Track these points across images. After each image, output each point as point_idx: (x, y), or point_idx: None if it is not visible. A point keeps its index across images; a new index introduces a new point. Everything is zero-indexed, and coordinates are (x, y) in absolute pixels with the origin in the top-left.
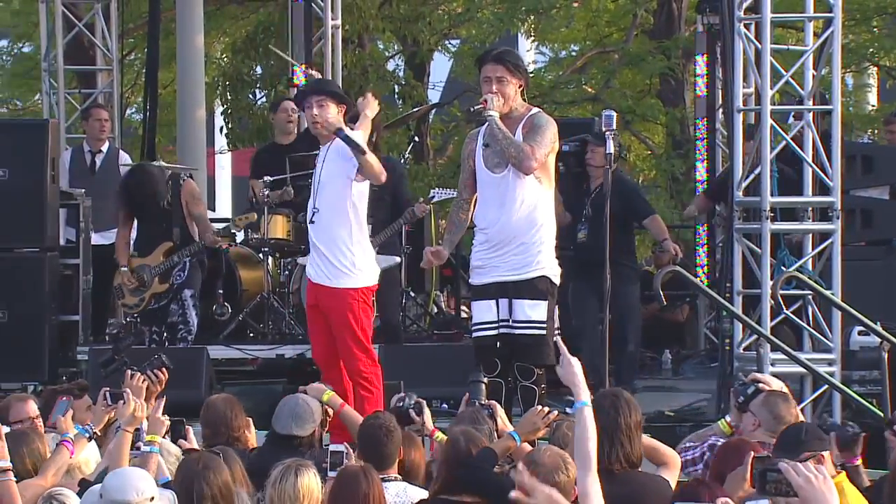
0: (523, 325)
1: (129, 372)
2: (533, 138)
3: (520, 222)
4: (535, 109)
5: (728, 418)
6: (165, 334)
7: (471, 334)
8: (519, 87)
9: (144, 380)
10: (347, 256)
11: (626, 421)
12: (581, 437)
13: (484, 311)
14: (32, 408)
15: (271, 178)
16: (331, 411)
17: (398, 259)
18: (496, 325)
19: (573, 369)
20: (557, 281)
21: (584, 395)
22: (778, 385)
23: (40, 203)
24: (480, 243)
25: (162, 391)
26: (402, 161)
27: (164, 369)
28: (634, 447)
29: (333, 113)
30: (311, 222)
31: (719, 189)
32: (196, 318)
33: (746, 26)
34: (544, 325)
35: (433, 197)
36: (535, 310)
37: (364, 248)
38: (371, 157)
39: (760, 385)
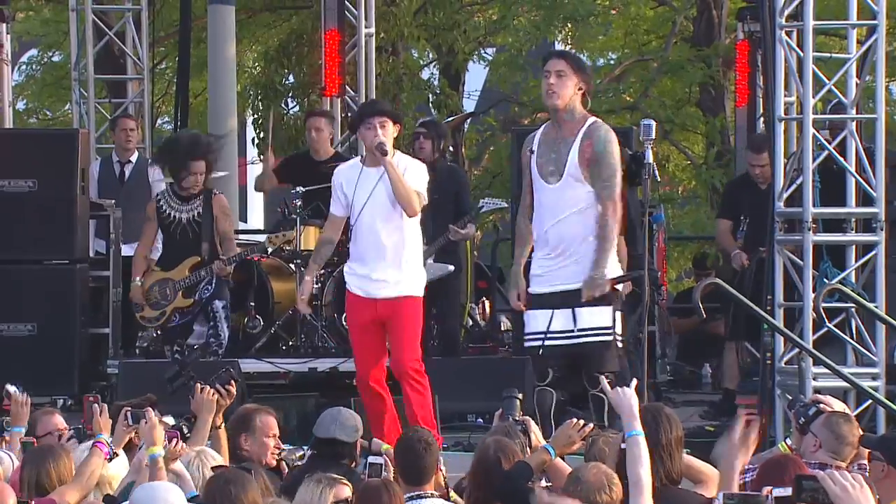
0: (589, 332)
1: (198, 385)
2: (599, 177)
3: (577, 231)
4: (592, 119)
5: (789, 441)
6: (187, 352)
7: (522, 343)
8: (579, 89)
9: (214, 393)
10: (408, 268)
11: (667, 437)
12: (633, 463)
13: (540, 321)
14: (60, 420)
15: (304, 189)
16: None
17: (451, 267)
18: (555, 335)
19: (626, 398)
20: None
21: (637, 424)
22: (840, 406)
23: (70, 214)
24: (541, 252)
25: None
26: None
27: (233, 382)
28: (675, 463)
29: (391, 133)
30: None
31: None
32: (227, 331)
33: (788, 34)
34: (610, 331)
35: (482, 207)
36: (599, 315)
37: (419, 260)
38: (404, 188)
39: (822, 406)
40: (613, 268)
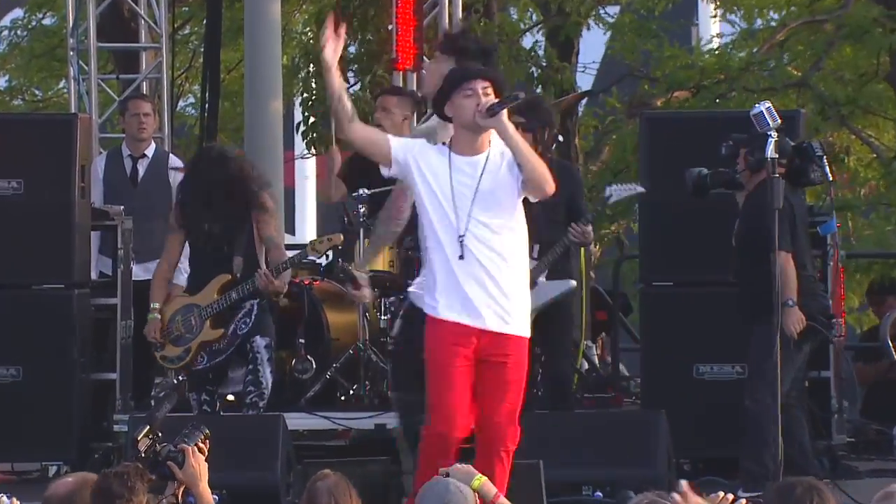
0: None
1: (189, 450)
2: None
3: None
4: None
5: None
6: (220, 400)
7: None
8: None
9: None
10: (523, 299)
11: None
12: None
13: None
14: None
15: (369, 192)
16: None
17: (572, 282)
18: None
19: None
20: None
21: None
22: None
23: (66, 225)
24: None
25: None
26: None
27: (205, 438)
28: None
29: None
30: (461, 257)
31: None
32: (271, 376)
33: None
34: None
35: (610, 197)
36: None
37: (528, 287)
38: (534, 157)
39: None
40: None
